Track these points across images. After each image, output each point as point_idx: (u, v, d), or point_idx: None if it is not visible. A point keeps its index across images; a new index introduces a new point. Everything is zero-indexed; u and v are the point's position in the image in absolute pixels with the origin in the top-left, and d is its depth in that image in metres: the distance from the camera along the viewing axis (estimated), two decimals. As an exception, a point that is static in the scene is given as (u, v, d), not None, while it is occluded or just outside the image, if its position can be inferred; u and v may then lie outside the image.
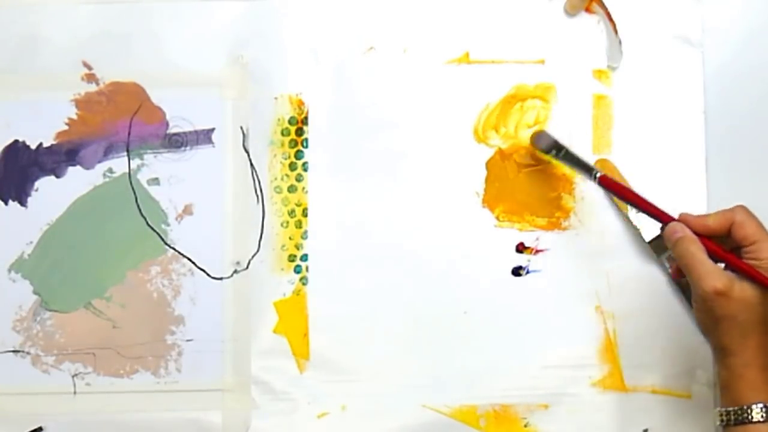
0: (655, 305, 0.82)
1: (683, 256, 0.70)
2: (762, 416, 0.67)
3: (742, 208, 0.70)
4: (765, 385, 0.68)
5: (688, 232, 0.70)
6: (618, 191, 0.76)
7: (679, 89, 0.83)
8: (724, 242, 0.70)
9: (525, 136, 0.83)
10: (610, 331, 0.82)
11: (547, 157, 0.81)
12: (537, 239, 0.83)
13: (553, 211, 0.83)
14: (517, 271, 0.83)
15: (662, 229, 0.73)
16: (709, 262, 0.69)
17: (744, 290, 0.68)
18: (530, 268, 0.83)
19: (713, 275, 0.68)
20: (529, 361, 0.82)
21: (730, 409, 0.69)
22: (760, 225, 0.70)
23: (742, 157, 0.82)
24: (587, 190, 0.83)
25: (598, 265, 0.82)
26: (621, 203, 0.82)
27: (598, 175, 0.76)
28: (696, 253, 0.69)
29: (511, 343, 0.82)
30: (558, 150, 0.80)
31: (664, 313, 0.82)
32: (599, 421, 0.81)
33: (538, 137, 0.82)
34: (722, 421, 0.69)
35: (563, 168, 0.83)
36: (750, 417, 0.68)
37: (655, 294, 0.82)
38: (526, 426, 0.82)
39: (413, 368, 0.82)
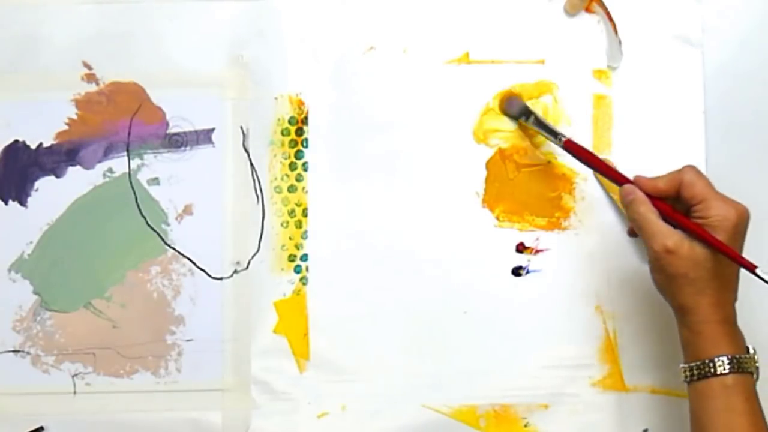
0: (655, 305, 0.82)
1: (635, 218, 0.72)
2: (725, 368, 0.68)
3: (691, 167, 0.72)
4: (725, 339, 0.69)
5: (640, 194, 0.72)
6: (582, 155, 0.78)
7: (679, 89, 0.83)
8: (676, 203, 0.72)
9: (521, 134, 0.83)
10: (610, 331, 0.82)
11: (516, 123, 0.82)
12: (537, 239, 0.83)
13: (553, 211, 0.83)
14: (517, 271, 0.83)
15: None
16: (660, 223, 0.70)
17: (693, 248, 0.69)
18: (530, 268, 0.83)
19: (663, 234, 0.70)
20: (529, 361, 0.82)
21: (693, 364, 0.70)
22: (708, 184, 0.71)
23: (741, 156, 0.82)
24: (587, 190, 0.83)
25: (598, 265, 0.82)
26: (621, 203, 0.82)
27: (563, 139, 0.78)
28: (646, 213, 0.71)
29: (511, 343, 0.82)
30: (527, 115, 0.81)
31: (664, 313, 0.82)
32: (599, 421, 0.81)
33: (509, 102, 0.82)
34: (686, 377, 0.70)
35: (563, 168, 0.83)
36: (713, 370, 0.68)
37: (655, 294, 0.82)
38: (526, 426, 0.82)
39: (413, 368, 0.82)
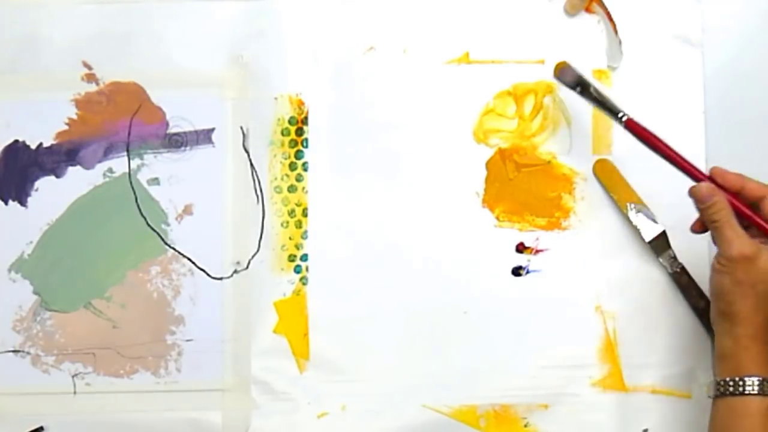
0: (655, 305, 0.82)
1: (713, 220, 0.70)
2: (754, 389, 0.68)
3: None
4: (765, 361, 0.69)
5: (722, 197, 0.71)
6: (647, 139, 0.75)
7: (679, 89, 0.83)
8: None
9: (524, 132, 0.83)
10: (610, 331, 0.82)
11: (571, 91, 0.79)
12: (537, 239, 0.83)
13: (553, 211, 0.83)
14: (517, 271, 0.83)
15: (692, 188, 0.73)
16: (740, 228, 0.70)
17: None
18: (530, 268, 0.83)
19: (743, 240, 0.69)
20: (529, 361, 0.82)
21: (729, 379, 0.69)
22: None
23: (741, 156, 0.82)
24: (587, 190, 0.83)
25: (598, 265, 0.82)
26: (621, 203, 0.82)
27: (625, 118, 0.75)
28: (727, 218, 0.70)
29: (511, 343, 0.82)
30: (583, 87, 0.78)
31: (664, 313, 0.82)
32: (599, 421, 0.81)
33: (563, 71, 0.79)
34: (718, 391, 0.70)
35: (563, 168, 0.83)
36: (743, 389, 0.68)
37: (655, 294, 0.82)
38: (526, 426, 0.82)
39: (413, 368, 0.82)
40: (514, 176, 0.83)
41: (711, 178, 0.72)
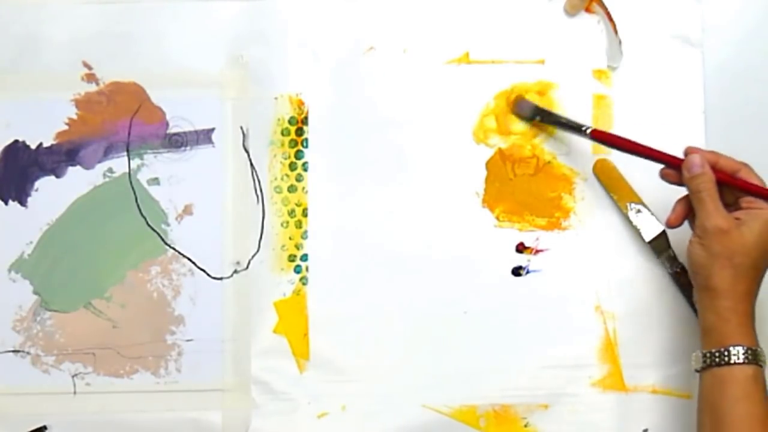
0: (655, 305, 0.82)
1: (699, 190, 0.73)
2: (739, 358, 0.70)
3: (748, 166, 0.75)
4: (749, 330, 0.71)
5: (708, 170, 0.73)
6: (613, 141, 0.78)
7: (679, 89, 0.83)
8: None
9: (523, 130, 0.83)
10: (610, 331, 0.82)
11: (531, 124, 0.83)
12: (537, 239, 0.83)
13: (553, 211, 0.83)
14: (517, 271, 0.83)
15: (663, 169, 0.76)
16: (719, 203, 0.72)
17: (743, 234, 0.71)
18: (530, 268, 0.83)
19: (720, 213, 0.72)
20: (529, 361, 0.82)
21: (714, 350, 0.71)
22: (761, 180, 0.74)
23: (741, 156, 0.82)
24: (587, 190, 0.83)
25: (598, 265, 0.82)
26: (621, 203, 0.82)
27: (589, 130, 0.78)
28: (711, 190, 0.72)
29: (511, 343, 0.82)
30: (542, 115, 0.81)
31: (664, 313, 0.82)
32: (599, 421, 0.81)
33: (519, 105, 0.82)
34: (704, 363, 0.71)
35: (563, 168, 0.83)
36: (737, 359, 0.70)
37: (655, 294, 0.82)
38: (526, 426, 0.82)
39: (413, 368, 0.82)
40: (513, 176, 0.83)
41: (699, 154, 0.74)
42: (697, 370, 0.72)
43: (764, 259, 0.71)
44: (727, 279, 0.71)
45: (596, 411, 0.81)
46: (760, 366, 0.70)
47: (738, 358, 0.70)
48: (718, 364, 0.70)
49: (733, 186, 0.74)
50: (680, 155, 0.75)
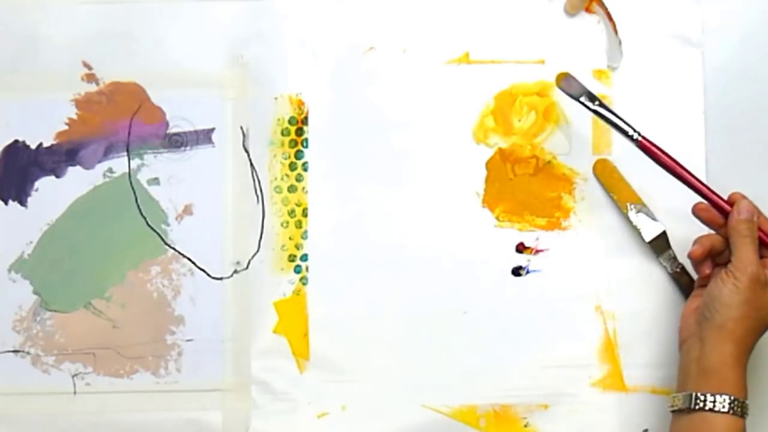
0: (655, 305, 0.82)
1: (746, 235, 0.72)
2: (724, 407, 0.69)
3: None
4: (745, 384, 0.70)
5: (757, 220, 0.73)
6: (661, 160, 0.75)
7: (679, 89, 0.83)
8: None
9: (524, 131, 0.83)
10: (610, 331, 0.82)
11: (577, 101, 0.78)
12: (537, 239, 0.83)
13: (553, 211, 0.83)
14: (517, 271, 0.83)
15: (700, 204, 0.74)
16: (756, 254, 0.72)
17: None
18: (530, 268, 0.83)
19: (763, 264, 0.72)
20: (529, 361, 0.82)
21: (709, 394, 0.70)
22: None
23: (741, 156, 0.82)
24: (587, 190, 0.83)
25: (598, 265, 0.82)
26: (621, 203, 0.82)
27: (638, 137, 0.75)
28: (756, 237, 0.73)
29: (511, 343, 0.82)
30: (590, 99, 0.77)
31: (664, 313, 0.82)
32: (599, 421, 0.81)
33: (567, 81, 0.78)
34: (693, 403, 0.70)
35: (563, 168, 0.83)
36: (714, 406, 0.69)
37: (655, 294, 0.82)
38: (526, 426, 0.82)
39: (413, 368, 0.82)
40: (513, 176, 0.83)
41: (730, 204, 0.74)
42: (675, 408, 0.72)
43: None
44: (745, 327, 0.70)
45: (596, 411, 0.81)
46: (744, 419, 0.70)
47: (724, 407, 0.69)
48: (702, 409, 0.69)
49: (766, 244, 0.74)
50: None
